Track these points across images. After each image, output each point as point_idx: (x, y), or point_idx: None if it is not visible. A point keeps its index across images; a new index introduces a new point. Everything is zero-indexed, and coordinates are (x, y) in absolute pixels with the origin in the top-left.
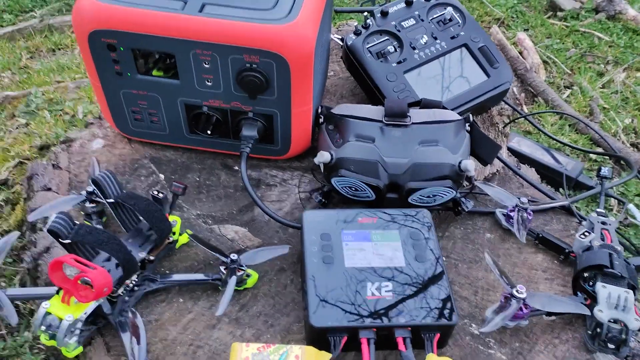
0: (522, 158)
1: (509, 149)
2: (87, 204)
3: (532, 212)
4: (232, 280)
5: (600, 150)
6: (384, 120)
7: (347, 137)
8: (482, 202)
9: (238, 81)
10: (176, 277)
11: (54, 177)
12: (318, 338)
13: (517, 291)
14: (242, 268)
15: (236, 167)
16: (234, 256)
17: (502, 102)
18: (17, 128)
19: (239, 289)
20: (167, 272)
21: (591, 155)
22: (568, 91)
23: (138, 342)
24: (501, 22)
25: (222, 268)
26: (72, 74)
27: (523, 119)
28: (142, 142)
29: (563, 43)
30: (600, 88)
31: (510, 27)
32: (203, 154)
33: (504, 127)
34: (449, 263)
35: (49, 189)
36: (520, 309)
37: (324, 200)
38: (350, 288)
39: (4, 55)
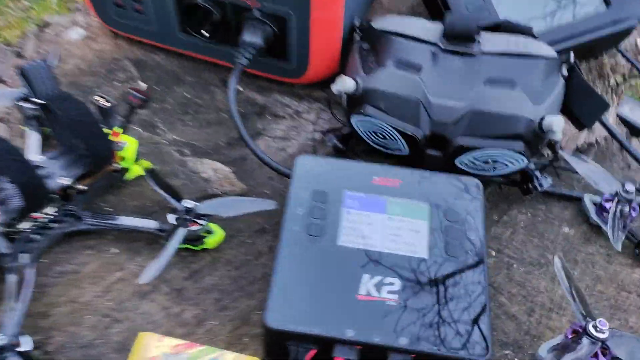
0: (635, 131)
1: (618, 116)
2: (24, 103)
3: (638, 207)
4: (177, 236)
5: None
6: (440, 43)
7: (384, 61)
8: (566, 181)
9: None
10: (116, 219)
11: (11, 66)
12: (275, 345)
13: (594, 327)
14: (200, 221)
15: (239, 87)
16: (188, 203)
17: (617, 55)
18: (17, 11)
19: (193, 248)
20: (110, 210)
21: None
22: None
23: (15, 305)
24: None
25: (171, 216)
26: None
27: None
28: (129, 41)
29: None
30: None
31: None
32: (199, 64)
33: (617, 86)
34: (499, 261)
35: (2, 81)
36: (596, 354)
37: (340, 145)
38: (336, 277)
39: None
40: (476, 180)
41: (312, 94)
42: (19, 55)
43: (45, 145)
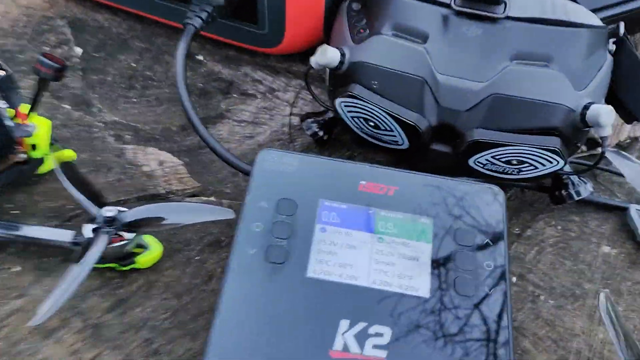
0: None
1: None
2: None
3: None
4: (90, 256)
5: None
6: (453, 4)
7: (379, 27)
8: (605, 185)
9: None
10: (16, 228)
11: None
12: None
13: None
14: (126, 235)
15: (200, 57)
16: (109, 210)
17: None
18: None
19: (122, 269)
20: (16, 212)
21: None
22: None
23: None
24: None
25: (88, 228)
26: None
27: None
28: None
29: None
30: None
31: None
32: (152, 27)
33: None
34: (521, 290)
35: None
36: None
37: (322, 134)
38: (304, 325)
39: None
40: (496, 188)
41: (291, 69)
42: None
43: None
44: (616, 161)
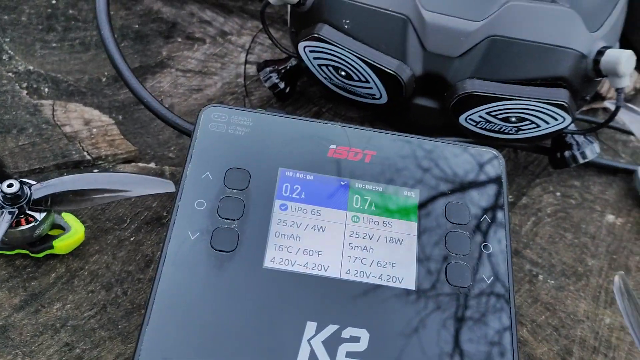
0: None
1: None
2: None
3: None
4: None
5: None
6: None
7: None
8: (608, 144)
9: None
10: None
11: None
12: None
13: None
14: (35, 215)
15: None
16: (10, 185)
17: None
18: None
19: (36, 255)
20: None
21: None
22: None
23: None
24: None
25: None
26: None
27: None
28: None
29: None
30: None
31: None
32: None
33: None
34: (517, 269)
35: None
36: None
37: (282, 86)
38: (260, 328)
39: None
40: (494, 152)
41: (247, 7)
42: None
43: None
44: (625, 116)
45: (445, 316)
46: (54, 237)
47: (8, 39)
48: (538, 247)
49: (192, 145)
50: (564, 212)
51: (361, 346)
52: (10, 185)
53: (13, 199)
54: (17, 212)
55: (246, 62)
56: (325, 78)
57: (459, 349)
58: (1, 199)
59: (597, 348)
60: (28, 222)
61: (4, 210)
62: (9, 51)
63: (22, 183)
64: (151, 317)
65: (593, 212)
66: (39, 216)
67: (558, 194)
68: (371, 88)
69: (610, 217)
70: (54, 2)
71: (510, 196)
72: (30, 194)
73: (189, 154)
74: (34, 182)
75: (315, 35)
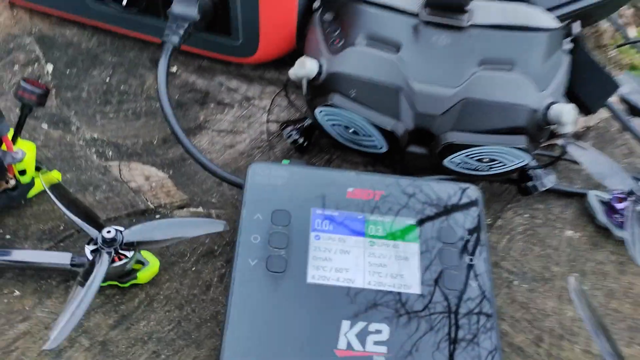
0: (636, 111)
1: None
2: None
3: None
4: (96, 277)
5: None
6: (421, 14)
7: (353, 38)
8: (564, 173)
9: None
10: (12, 253)
11: None
12: None
13: None
14: (127, 253)
15: (173, 69)
16: (109, 230)
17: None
18: None
19: (123, 285)
20: (7, 237)
21: None
22: None
23: None
24: None
25: (88, 249)
26: None
27: (630, 47)
28: (30, 11)
29: None
30: None
31: None
32: (122, 41)
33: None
34: (496, 277)
35: None
36: None
37: (301, 141)
38: (308, 328)
39: None
40: (473, 188)
41: (265, 76)
42: None
43: None
44: (574, 152)
45: (443, 312)
46: (137, 270)
47: (73, 112)
48: (512, 258)
49: (244, 194)
50: (532, 230)
51: (384, 337)
52: (108, 232)
53: (110, 242)
54: (112, 253)
55: (268, 121)
56: (336, 134)
57: (454, 335)
58: (101, 243)
59: (562, 335)
60: (120, 260)
61: (102, 251)
62: (76, 122)
63: (116, 230)
64: (229, 322)
65: (555, 228)
66: (129, 254)
67: (526, 215)
68: (374, 141)
69: (569, 232)
70: (107, 80)
71: (489, 219)
72: (123, 237)
73: (243, 201)
74: (121, 228)
75: (329, 103)
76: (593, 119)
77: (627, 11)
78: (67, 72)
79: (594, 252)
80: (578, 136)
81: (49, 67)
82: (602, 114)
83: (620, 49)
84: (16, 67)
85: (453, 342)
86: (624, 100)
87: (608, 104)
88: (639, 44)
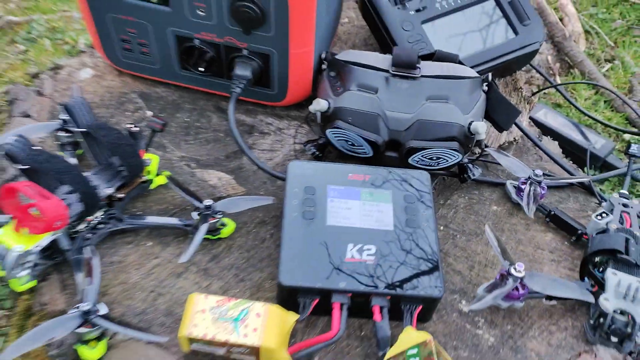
0: (547, 131)
1: (533, 120)
2: (61, 133)
3: (546, 187)
4: (203, 228)
5: (635, 130)
6: (390, 70)
7: (348, 86)
8: (494, 171)
9: (232, 12)
10: (147, 219)
11: (35, 103)
12: (287, 298)
13: (514, 269)
14: (217, 216)
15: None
16: (208, 202)
17: (533, 70)
18: (15, 54)
19: (212, 237)
20: (139, 213)
21: (625, 136)
22: (608, 65)
23: (91, 282)
24: None
25: (194, 214)
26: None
27: (554, 90)
28: (132, 76)
29: (609, 13)
30: None
31: None
32: (195, 94)
33: (531, 95)
34: (446, 233)
35: (28, 116)
36: (517, 289)
37: (318, 153)
38: (328, 247)
39: None
40: (424, 172)
41: (290, 114)
42: (40, 94)
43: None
44: (496, 155)
45: (406, 240)
46: (221, 228)
47: (167, 141)
48: (456, 223)
49: (287, 178)
50: (470, 206)
51: (372, 251)
52: (208, 202)
53: (209, 209)
54: (209, 214)
55: (294, 142)
56: (340, 147)
57: (410, 249)
58: (203, 208)
59: (487, 265)
60: (214, 219)
61: (204, 213)
62: (170, 146)
63: (211, 201)
64: (283, 248)
65: (485, 205)
66: (218, 216)
67: (466, 197)
68: (364, 148)
69: (494, 207)
70: (187, 120)
71: (442, 200)
72: (214, 207)
73: (286, 182)
74: (212, 201)
75: (335, 126)
76: (514, 135)
77: (555, 65)
78: (160, 115)
79: (510, 218)
80: (503, 147)
81: (149, 113)
82: (520, 132)
83: (549, 91)
84: (127, 113)
85: (411, 257)
86: (535, 122)
87: (519, 124)
88: (560, 87)
